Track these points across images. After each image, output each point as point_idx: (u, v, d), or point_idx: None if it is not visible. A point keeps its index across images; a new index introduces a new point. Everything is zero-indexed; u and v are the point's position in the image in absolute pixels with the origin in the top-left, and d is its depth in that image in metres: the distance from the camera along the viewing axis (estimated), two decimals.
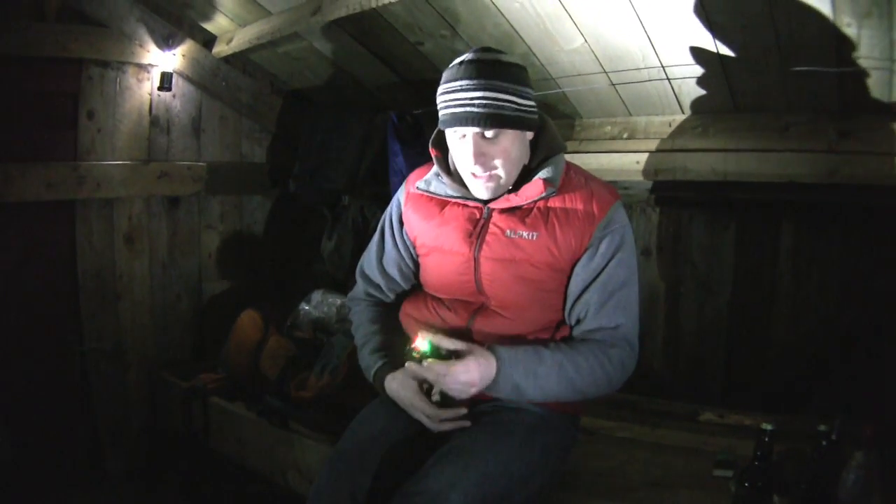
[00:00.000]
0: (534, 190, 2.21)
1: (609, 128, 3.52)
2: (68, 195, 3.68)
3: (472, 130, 2.12)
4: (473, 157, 2.14)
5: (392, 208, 2.59)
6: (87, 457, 3.96)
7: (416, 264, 2.56)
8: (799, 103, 2.92)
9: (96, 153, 3.79)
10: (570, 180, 2.29)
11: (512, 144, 2.17)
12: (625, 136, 3.44)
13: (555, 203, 2.25)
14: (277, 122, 4.66)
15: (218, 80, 4.24)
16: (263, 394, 3.44)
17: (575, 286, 2.25)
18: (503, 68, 2.12)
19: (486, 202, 2.31)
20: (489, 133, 2.12)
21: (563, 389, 2.12)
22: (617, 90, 3.25)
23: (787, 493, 2.10)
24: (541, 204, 2.26)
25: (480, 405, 2.34)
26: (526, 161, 2.29)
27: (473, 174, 2.21)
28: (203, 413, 3.63)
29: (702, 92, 3.07)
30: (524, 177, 2.27)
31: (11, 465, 3.54)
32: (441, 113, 2.19)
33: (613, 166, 3.36)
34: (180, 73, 4.08)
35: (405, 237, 2.53)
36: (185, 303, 4.37)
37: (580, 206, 2.22)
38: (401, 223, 2.54)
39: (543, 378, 2.10)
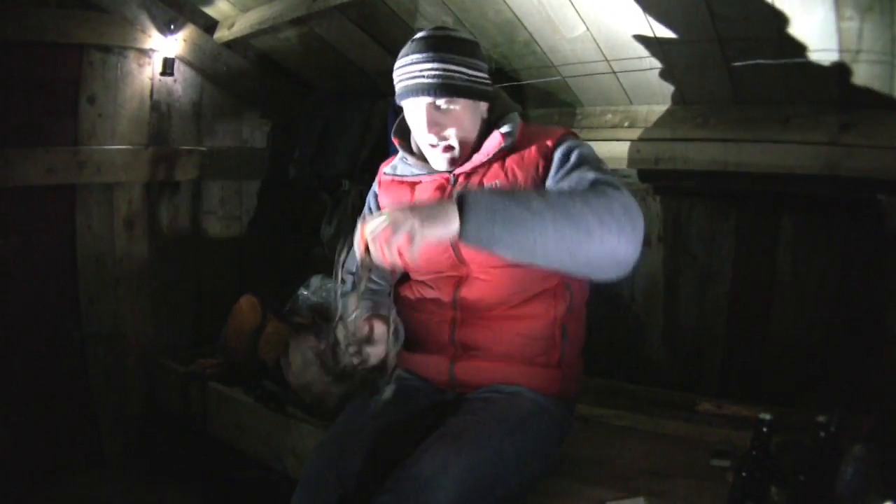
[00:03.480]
0: (493, 143, 2.26)
1: (610, 116, 3.51)
2: (69, 180, 3.69)
3: (425, 100, 2.20)
4: (427, 126, 2.22)
5: (369, 198, 2.66)
6: (86, 441, 3.97)
7: None
8: (800, 95, 2.91)
9: (97, 138, 3.79)
10: (525, 132, 2.33)
11: (464, 113, 2.24)
12: (626, 124, 3.43)
13: (512, 156, 2.29)
14: (278, 108, 4.67)
15: (219, 65, 4.24)
16: (261, 379, 3.45)
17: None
18: (454, 42, 2.22)
19: (451, 171, 2.35)
20: (441, 102, 2.19)
21: (564, 223, 1.78)
22: (618, 78, 3.24)
23: (784, 485, 2.10)
24: (498, 161, 2.29)
25: (474, 392, 2.37)
26: (478, 124, 2.33)
27: (430, 144, 2.27)
28: (201, 398, 3.64)
29: (703, 82, 3.06)
30: (482, 140, 2.32)
31: (8, 450, 3.55)
32: (396, 88, 2.27)
33: (614, 155, 3.36)
34: (182, 59, 4.09)
35: None
36: (184, 288, 4.38)
37: (533, 147, 2.26)
38: (378, 209, 2.58)
39: (537, 211, 1.76)
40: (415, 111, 2.26)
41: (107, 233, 3.93)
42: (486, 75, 2.29)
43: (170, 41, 3.96)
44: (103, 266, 3.93)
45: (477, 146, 2.31)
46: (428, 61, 2.16)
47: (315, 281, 3.96)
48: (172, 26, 3.93)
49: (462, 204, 1.73)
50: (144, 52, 3.94)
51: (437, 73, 2.15)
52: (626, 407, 3.16)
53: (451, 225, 1.72)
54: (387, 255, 1.72)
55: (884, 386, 2.72)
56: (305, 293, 3.91)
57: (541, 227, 1.74)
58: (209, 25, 4.15)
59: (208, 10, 4.06)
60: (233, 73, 4.33)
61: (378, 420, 2.25)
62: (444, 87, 2.16)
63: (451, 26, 2.36)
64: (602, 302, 2.38)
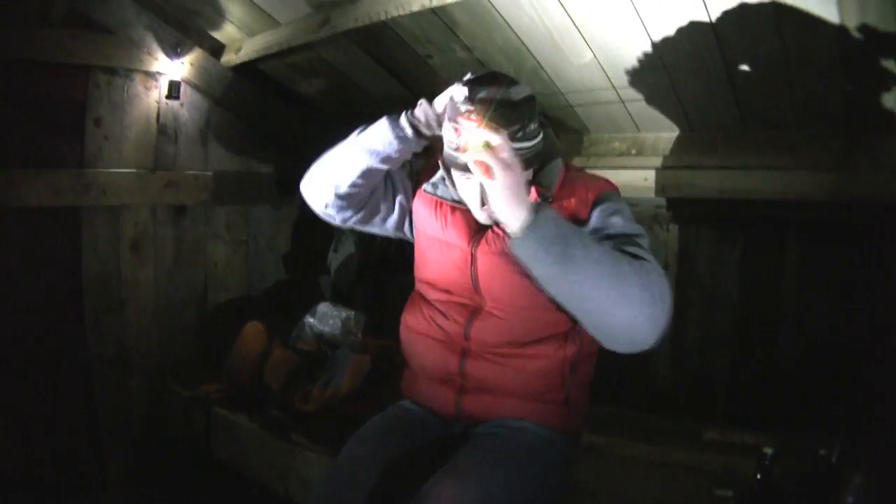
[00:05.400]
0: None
1: (617, 143, 3.51)
2: (74, 202, 3.70)
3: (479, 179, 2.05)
4: (482, 199, 2.15)
5: (405, 175, 2.57)
6: (89, 461, 3.96)
7: (393, 206, 2.52)
8: (806, 119, 2.92)
9: (103, 160, 3.80)
10: (568, 179, 2.27)
11: None
12: (633, 152, 3.43)
13: (552, 203, 2.18)
14: (285, 132, 4.68)
15: (226, 89, 4.26)
16: (266, 405, 3.45)
17: None
18: (515, 111, 2.05)
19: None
20: None
21: (606, 265, 1.82)
22: (625, 105, 3.24)
23: None
24: None
25: (481, 425, 2.35)
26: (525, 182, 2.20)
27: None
28: (205, 422, 3.63)
29: (710, 108, 3.06)
30: None
31: (11, 468, 3.55)
32: (447, 152, 2.16)
33: (621, 182, 3.31)
34: (188, 82, 4.10)
35: (408, 194, 2.53)
36: (190, 311, 4.38)
37: (573, 199, 2.18)
38: (407, 188, 2.53)
39: (582, 247, 1.82)
40: (465, 182, 2.18)
41: (112, 255, 3.93)
42: (539, 137, 2.17)
43: (176, 64, 3.98)
44: (109, 288, 3.93)
45: None
46: None
47: (321, 308, 3.94)
48: (179, 49, 3.95)
49: (537, 216, 1.82)
50: (151, 75, 3.96)
51: None
52: (632, 435, 3.14)
53: (520, 217, 1.83)
54: (474, 155, 1.88)
55: (886, 413, 2.71)
56: (311, 321, 3.89)
57: (589, 275, 1.80)
58: (216, 49, 4.17)
59: (215, 34, 4.08)
60: (239, 97, 4.34)
61: (383, 452, 2.23)
62: None
63: (508, 76, 2.12)
64: None
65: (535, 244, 1.81)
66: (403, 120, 2.24)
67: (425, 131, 2.24)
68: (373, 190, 2.42)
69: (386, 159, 2.27)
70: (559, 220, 1.85)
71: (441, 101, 2.22)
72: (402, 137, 2.24)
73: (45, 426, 3.73)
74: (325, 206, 2.45)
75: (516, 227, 1.83)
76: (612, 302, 1.81)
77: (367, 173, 2.31)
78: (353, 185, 2.33)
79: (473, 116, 1.97)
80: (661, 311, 1.85)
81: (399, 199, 2.51)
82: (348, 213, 2.45)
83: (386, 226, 2.56)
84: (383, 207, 2.50)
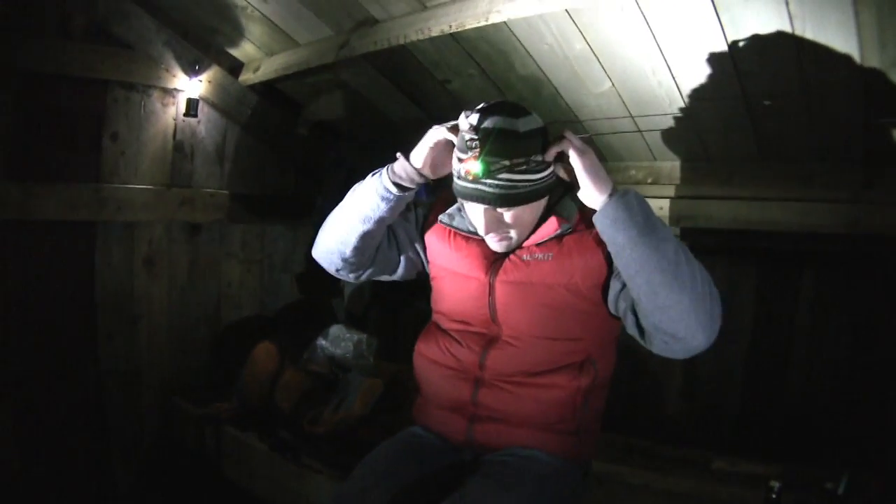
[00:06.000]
0: (549, 228, 2.20)
1: (634, 172, 3.51)
2: (89, 216, 3.70)
3: (484, 207, 2.09)
4: (485, 227, 2.14)
5: (417, 212, 2.58)
6: (99, 475, 3.95)
7: (399, 258, 2.55)
8: (824, 151, 2.92)
9: (119, 176, 3.81)
10: (587, 213, 2.18)
11: (525, 212, 2.14)
12: (649, 180, 3.43)
13: (571, 235, 2.22)
14: (302, 153, 4.68)
15: (244, 107, 4.27)
16: (276, 426, 3.46)
17: (615, 283, 2.15)
18: (520, 142, 2.01)
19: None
20: (501, 211, 2.10)
21: (683, 264, 1.89)
22: (643, 134, 3.25)
23: None
24: (555, 238, 2.23)
25: (492, 453, 2.33)
26: (539, 214, 2.23)
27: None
28: (216, 440, 3.63)
29: (727, 139, 3.06)
30: (539, 222, 2.24)
31: (22, 480, 3.55)
32: (454, 181, 2.13)
33: None
34: (206, 100, 4.11)
35: (415, 239, 2.54)
36: (203, 329, 4.37)
37: (594, 231, 2.12)
38: (411, 234, 2.54)
39: (662, 224, 1.96)
40: (473, 210, 2.16)
41: (126, 270, 3.94)
42: (548, 169, 2.11)
43: (194, 82, 3.99)
44: (122, 303, 3.93)
45: (534, 228, 2.24)
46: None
47: (334, 331, 3.95)
48: (197, 67, 3.96)
49: (623, 189, 1.98)
50: (169, 92, 3.97)
51: (499, 183, 2.00)
52: (641, 464, 3.14)
53: (605, 188, 1.98)
54: (572, 144, 2.01)
55: (892, 447, 2.70)
56: (324, 343, 3.89)
57: (664, 249, 1.88)
58: (234, 67, 4.18)
59: (234, 52, 4.10)
60: (257, 117, 4.35)
61: (393, 478, 2.22)
62: (506, 199, 2.03)
63: (518, 106, 2.10)
64: (620, 358, 2.37)
65: (621, 208, 1.92)
66: (386, 178, 2.23)
67: (408, 185, 2.24)
68: (378, 245, 2.44)
69: (379, 220, 2.28)
70: (640, 196, 1.97)
71: (419, 155, 2.21)
72: (387, 199, 2.23)
73: (55, 441, 3.73)
74: (337, 271, 2.51)
75: (604, 197, 1.96)
76: (682, 281, 1.86)
77: (366, 235, 2.32)
78: (357, 248, 2.36)
79: (475, 146, 1.97)
80: (718, 314, 1.93)
81: (404, 250, 2.53)
82: (360, 272, 2.50)
83: (400, 274, 2.59)
84: (392, 260, 2.53)
